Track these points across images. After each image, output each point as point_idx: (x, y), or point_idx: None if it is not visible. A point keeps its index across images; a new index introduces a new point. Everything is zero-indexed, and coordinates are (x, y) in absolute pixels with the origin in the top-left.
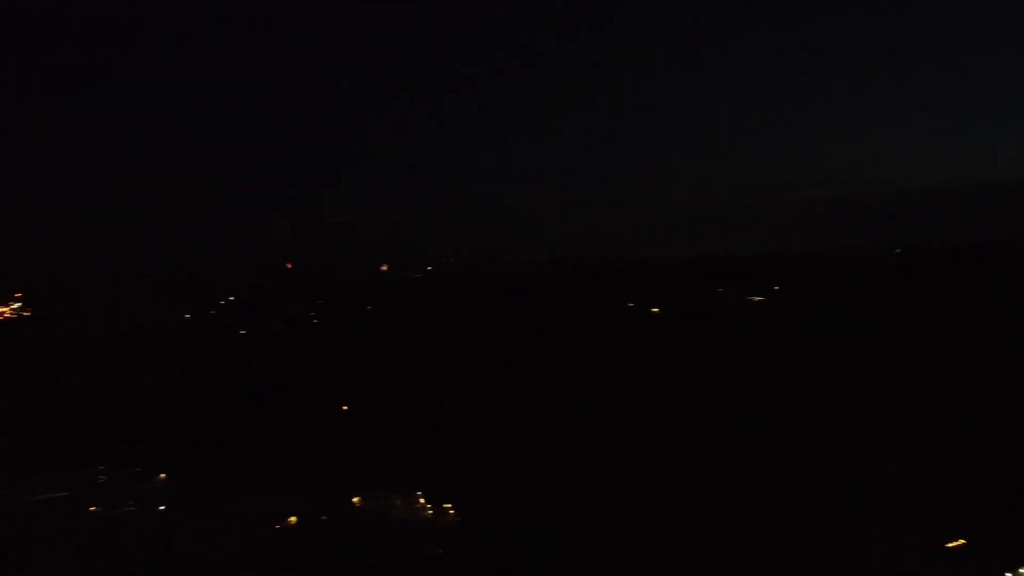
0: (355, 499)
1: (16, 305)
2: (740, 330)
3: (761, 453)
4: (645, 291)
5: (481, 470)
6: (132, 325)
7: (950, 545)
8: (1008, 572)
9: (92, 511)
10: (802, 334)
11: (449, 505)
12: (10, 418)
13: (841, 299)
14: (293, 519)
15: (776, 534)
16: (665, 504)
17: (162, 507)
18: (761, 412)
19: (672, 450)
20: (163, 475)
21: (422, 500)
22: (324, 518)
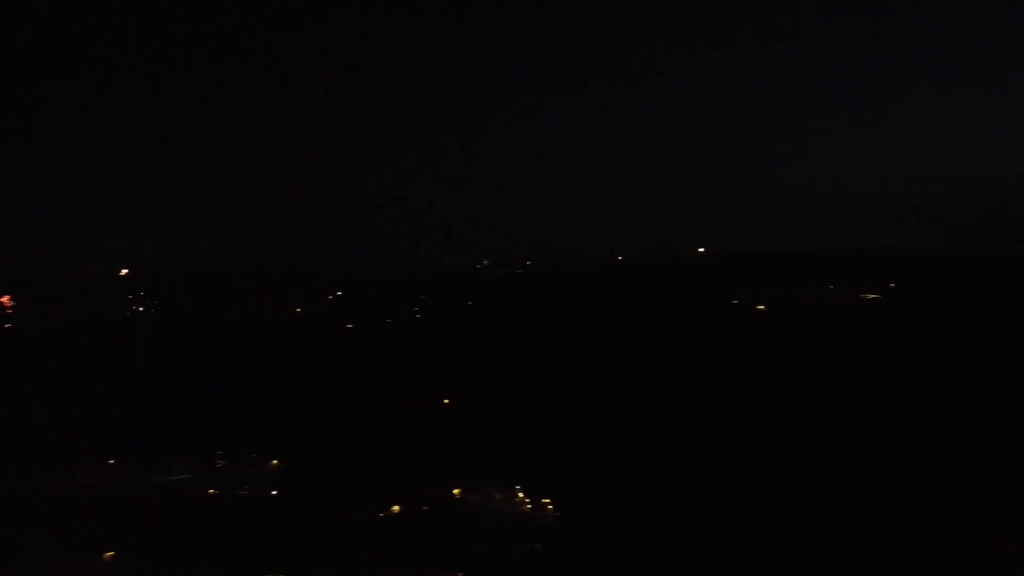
0: (455, 491)
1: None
2: (853, 329)
3: (882, 456)
4: (749, 287)
5: (580, 466)
6: (248, 318)
7: None
8: None
9: (211, 494)
10: (922, 335)
11: (548, 500)
12: (138, 405)
13: (967, 298)
14: (396, 508)
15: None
16: (773, 506)
17: (274, 492)
18: (887, 415)
19: (785, 452)
20: (275, 462)
21: (521, 494)
22: (425, 508)
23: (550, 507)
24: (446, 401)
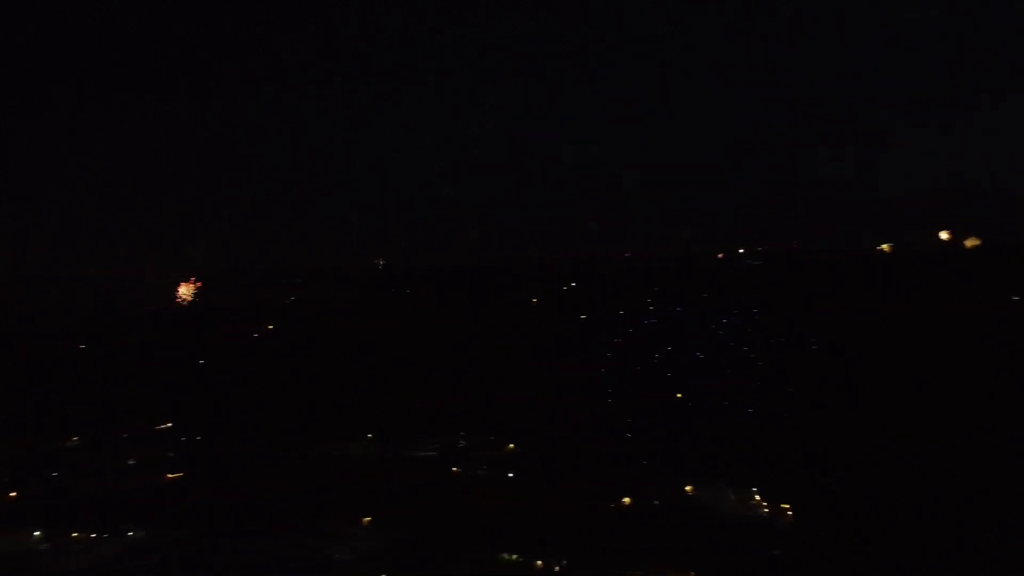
0: (688, 487)
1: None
2: None
3: None
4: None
5: (820, 472)
6: (487, 309)
7: None
8: None
9: (454, 471)
10: None
11: (787, 506)
12: (396, 386)
13: None
14: (627, 500)
15: None
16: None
17: (511, 474)
18: None
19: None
20: (511, 445)
21: (757, 497)
22: (656, 503)
23: (789, 512)
24: (679, 396)
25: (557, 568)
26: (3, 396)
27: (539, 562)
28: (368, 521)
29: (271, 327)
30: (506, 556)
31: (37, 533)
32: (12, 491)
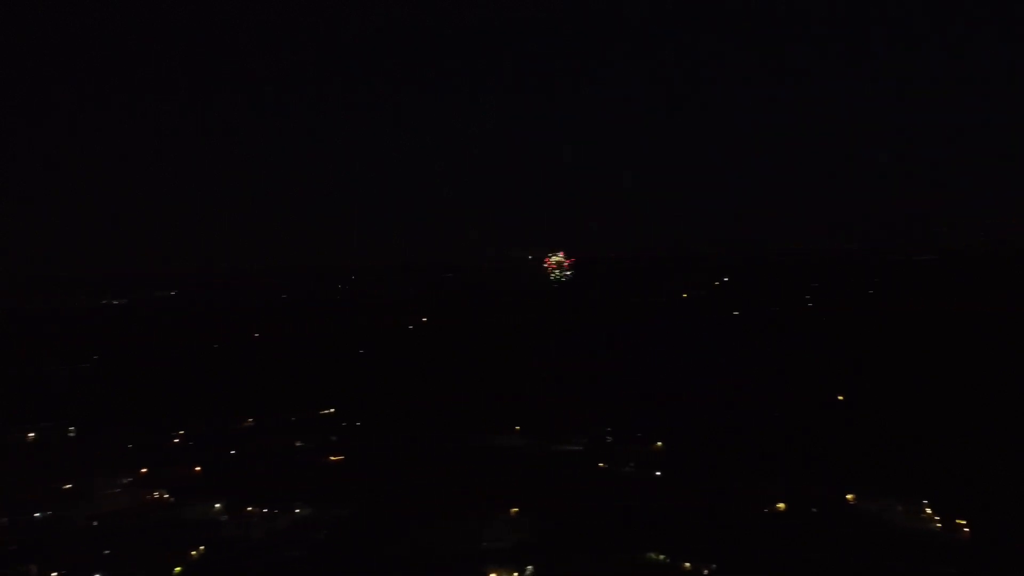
0: (849, 496)
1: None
2: None
3: None
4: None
5: (1004, 486)
6: (637, 304)
7: None
8: None
9: (600, 467)
10: None
11: (963, 521)
12: (544, 381)
13: None
14: (781, 505)
15: None
16: None
17: (658, 473)
18: None
19: None
20: (659, 443)
21: (928, 510)
22: (814, 510)
23: (966, 529)
24: (840, 397)
25: (706, 572)
26: (190, 382)
27: (687, 564)
28: (516, 512)
29: (425, 320)
30: (653, 556)
31: (218, 505)
32: (197, 466)
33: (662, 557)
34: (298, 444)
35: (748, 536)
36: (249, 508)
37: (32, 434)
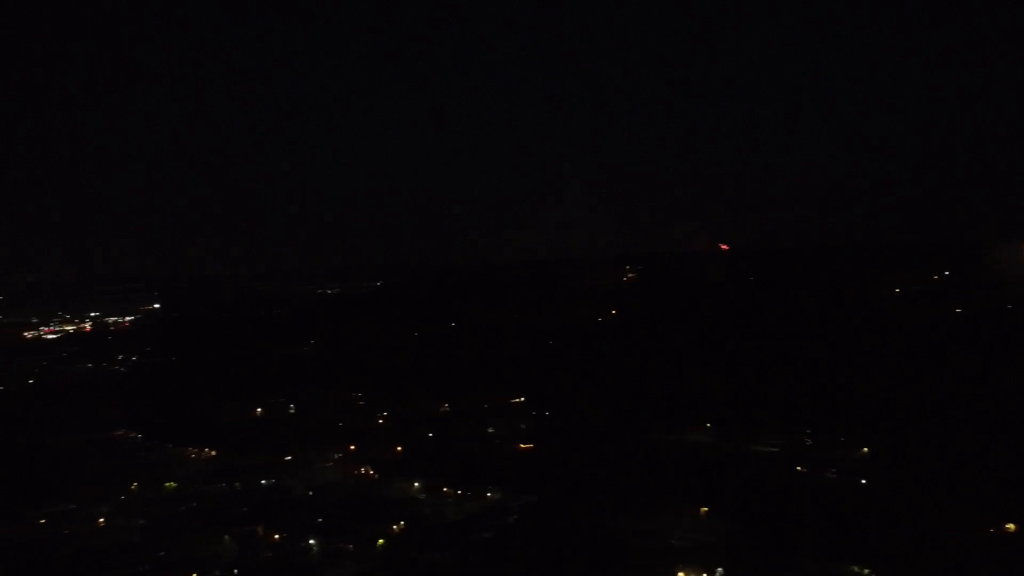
0: None
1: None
2: None
3: None
4: None
5: None
6: (846, 295)
7: None
8: None
9: (798, 470)
10: None
11: None
12: (738, 377)
13: None
14: (1011, 526)
15: None
16: None
17: (863, 480)
18: None
19: None
20: (865, 449)
21: None
22: None
23: None
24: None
25: None
26: (393, 368)
27: None
28: (705, 512)
29: (614, 312)
30: (856, 569)
31: (417, 484)
32: (399, 446)
33: (866, 571)
34: (490, 431)
35: (969, 558)
36: (444, 489)
37: (260, 409)
